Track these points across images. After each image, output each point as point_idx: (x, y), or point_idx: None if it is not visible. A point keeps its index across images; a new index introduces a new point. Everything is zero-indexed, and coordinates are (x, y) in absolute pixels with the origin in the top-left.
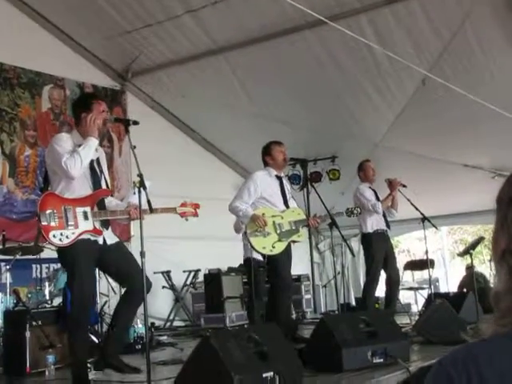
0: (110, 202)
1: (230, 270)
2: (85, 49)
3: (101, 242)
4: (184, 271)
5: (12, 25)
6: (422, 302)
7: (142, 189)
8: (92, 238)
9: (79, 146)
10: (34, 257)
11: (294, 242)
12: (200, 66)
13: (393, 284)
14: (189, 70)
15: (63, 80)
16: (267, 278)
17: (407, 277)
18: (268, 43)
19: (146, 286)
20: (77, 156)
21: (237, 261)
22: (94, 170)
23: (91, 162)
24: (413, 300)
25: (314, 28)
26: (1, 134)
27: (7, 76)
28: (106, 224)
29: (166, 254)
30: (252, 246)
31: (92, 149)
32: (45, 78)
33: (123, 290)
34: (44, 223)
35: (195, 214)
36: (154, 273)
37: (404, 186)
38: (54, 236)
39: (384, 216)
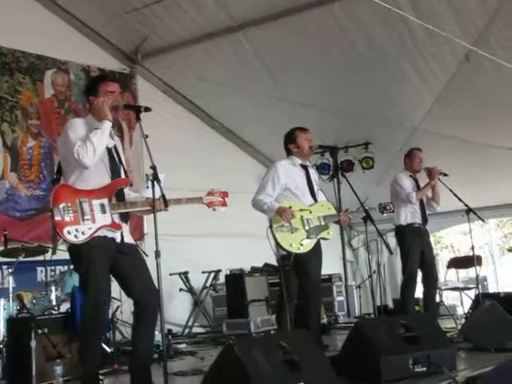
0: (128, 194)
1: (254, 270)
2: (90, 28)
3: (118, 239)
4: (203, 272)
5: (9, 4)
6: (468, 303)
7: (155, 182)
8: (109, 236)
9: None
10: (39, 258)
11: (322, 239)
12: (217, 46)
13: (430, 284)
14: (205, 49)
15: (67, 64)
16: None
17: (451, 276)
18: (292, 18)
19: (156, 299)
20: (89, 143)
21: (261, 260)
22: (112, 158)
23: (110, 150)
24: (458, 301)
25: (344, 0)
26: (1, 123)
27: (5, 60)
28: (125, 218)
29: (183, 254)
30: (277, 243)
31: (105, 133)
32: (47, 61)
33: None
34: (58, 218)
35: (224, 204)
36: (170, 274)
37: (445, 174)
38: (68, 232)
39: (422, 209)
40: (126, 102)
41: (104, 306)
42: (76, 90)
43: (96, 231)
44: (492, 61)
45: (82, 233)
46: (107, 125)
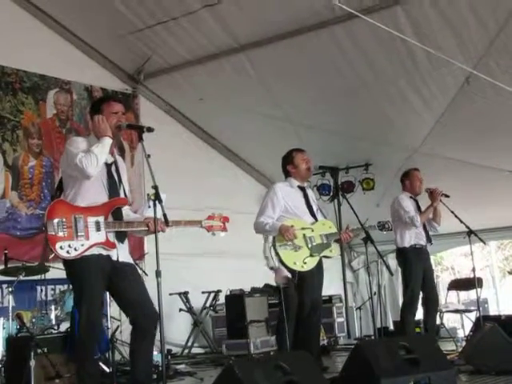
0: (128, 214)
1: (254, 290)
2: (93, 49)
3: (114, 257)
4: (203, 292)
5: (13, 23)
6: (469, 326)
7: (157, 202)
8: (104, 253)
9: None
10: (39, 277)
11: (326, 257)
12: (219, 66)
13: (430, 305)
14: (207, 70)
15: (69, 83)
16: None
17: (452, 298)
18: (293, 40)
19: (153, 318)
20: (92, 154)
21: (261, 280)
22: (111, 177)
23: (109, 169)
24: (459, 324)
25: (344, 23)
26: (3, 143)
27: (9, 80)
28: (121, 237)
29: (183, 274)
30: (281, 261)
31: (106, 147)
32: (50, 81)
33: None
34: (51, 233)
35: (224, 229)
36: (170, 294)
37: (446, 196)
38: (61, 248)
39: (425, 229)
40: (128, 122)
41: (98, 321)
42: (78, 109)
43: (89, 248)
44: (492, 84)
45: (75, 249)
46: (107, 141)
